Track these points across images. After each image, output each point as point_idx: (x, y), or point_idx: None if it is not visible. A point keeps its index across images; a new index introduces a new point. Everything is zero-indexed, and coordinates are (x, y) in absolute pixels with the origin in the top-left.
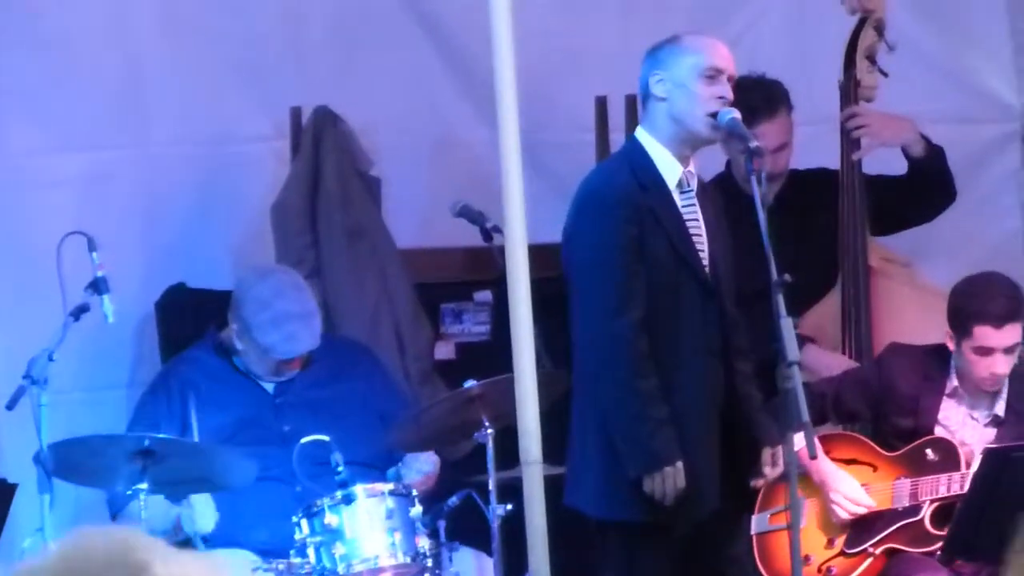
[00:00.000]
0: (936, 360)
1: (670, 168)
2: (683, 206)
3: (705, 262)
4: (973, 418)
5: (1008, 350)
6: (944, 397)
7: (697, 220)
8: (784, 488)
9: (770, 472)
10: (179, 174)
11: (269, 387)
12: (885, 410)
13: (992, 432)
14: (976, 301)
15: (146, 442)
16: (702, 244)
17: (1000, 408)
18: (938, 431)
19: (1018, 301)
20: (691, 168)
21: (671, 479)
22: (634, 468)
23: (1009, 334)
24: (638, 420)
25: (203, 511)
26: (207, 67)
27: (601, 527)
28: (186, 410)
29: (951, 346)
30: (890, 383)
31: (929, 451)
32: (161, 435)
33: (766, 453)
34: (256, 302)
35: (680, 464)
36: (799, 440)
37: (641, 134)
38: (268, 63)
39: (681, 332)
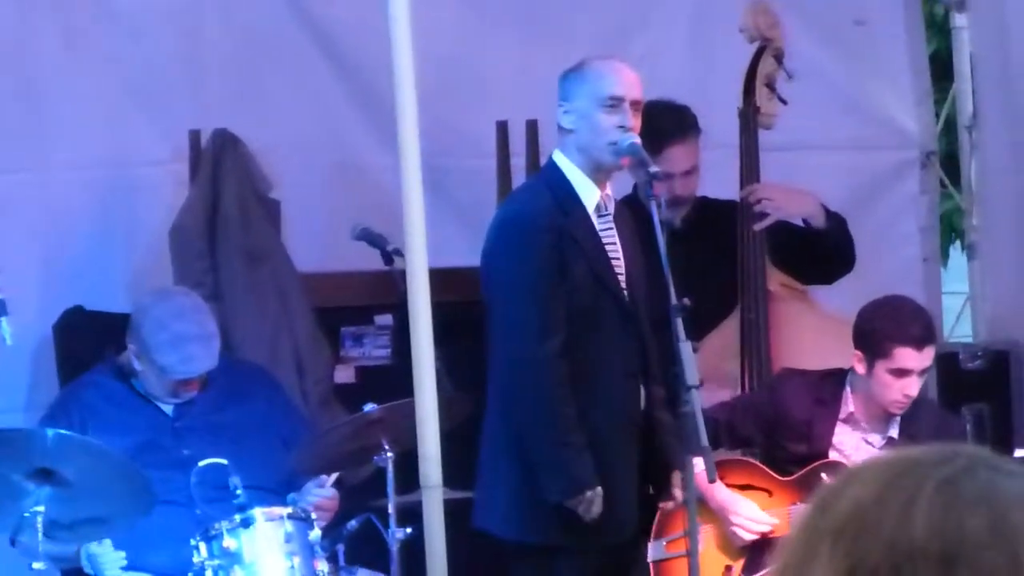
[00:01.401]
0: (829, 385)
1: (588, 192)
2: (601, 230)
3: (623, 285)
4: (868, 443)
5: (922, 372)
6: (838, 422)
7: (615, 244)
8: (681, 514)
9: (679, 495)
10: (77, 198)
11: (168, 410)
12: (778, 436)
13: None
14: (895, 323)
15: (50, 433)
16: (620, 268)
17: (894, 431)
18: (832, 456)
19: (932, 324)
20: (608, 191)
21: (589, 504)
22: (554, 493)
23: (927, 356)
24: (559, 445)
25: (110, 557)
26: (105, 90)
27: (513, 549)
28: (85, 434)
29: (861, 369)
30: (783, 408)
31: (824, 475)
32: (63, 430)
33: (676, 476)
34: (155, 323)
35: (599, 489)
36: (699, 464)
37: (559, 157)
38: (166, 86)
39: (601, 354)
